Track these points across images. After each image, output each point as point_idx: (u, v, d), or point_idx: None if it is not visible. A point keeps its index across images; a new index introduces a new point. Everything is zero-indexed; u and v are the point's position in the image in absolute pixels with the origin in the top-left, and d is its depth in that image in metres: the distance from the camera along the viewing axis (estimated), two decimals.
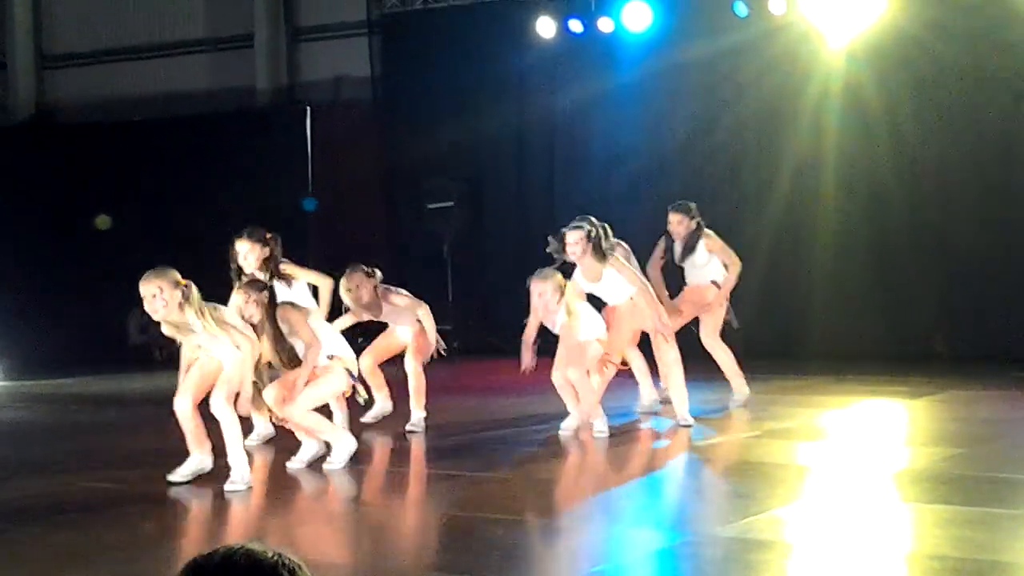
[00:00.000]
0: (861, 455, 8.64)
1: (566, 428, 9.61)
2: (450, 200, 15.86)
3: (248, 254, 9.25)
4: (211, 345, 7.82)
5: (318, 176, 16.94)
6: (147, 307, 7.62)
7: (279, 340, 8.25)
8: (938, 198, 13.82)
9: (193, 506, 7.77)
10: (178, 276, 7.63)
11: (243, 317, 8.09)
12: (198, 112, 17.90)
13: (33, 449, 9.87)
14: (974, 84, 13.66)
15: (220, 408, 7.79)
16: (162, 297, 7.53)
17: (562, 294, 9.34)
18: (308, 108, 17.23)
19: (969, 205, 13.71)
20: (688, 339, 10.49)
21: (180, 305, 7.57)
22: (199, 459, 8.03)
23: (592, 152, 15.47)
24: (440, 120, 15.83)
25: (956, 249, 13.77)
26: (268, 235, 9.31)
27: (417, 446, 9.58)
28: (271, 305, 8.32)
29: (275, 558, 2.12)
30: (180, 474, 8.00)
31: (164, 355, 16.80)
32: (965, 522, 6.54)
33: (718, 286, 10.69)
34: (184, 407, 7.95)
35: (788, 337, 14.32)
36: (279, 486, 8.20)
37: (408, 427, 9.83)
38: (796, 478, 7.90)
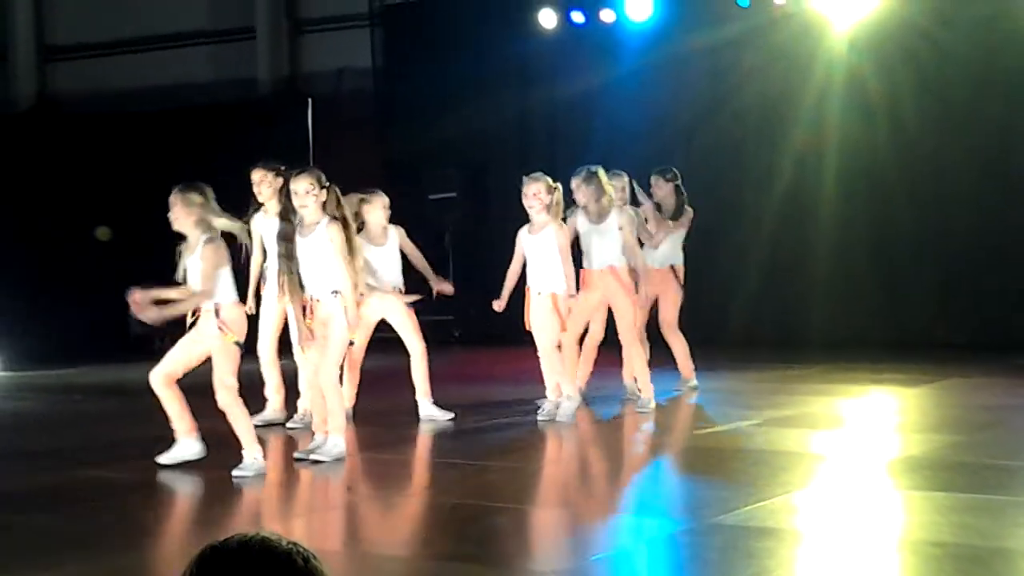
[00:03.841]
0: (862, 442, 8.66)
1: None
2: (452, 191, 15.88)
3: (260, 184, 9.59)
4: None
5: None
6: None
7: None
8: (939, 186, 13.84)
9: (195, 495, 7.78)
10: None
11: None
12: (200, 103, 17.90)
13: (35, 439, 9.88)
14: (975, 73, 13.67)
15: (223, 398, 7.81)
16: None
17: (553, 198, 9.31)
18: (310, 99, 17.22)
19: (970, 193, 13.73)
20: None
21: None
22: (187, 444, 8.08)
23: (594, 142, 15.46)
24: (442, 111, 15.84)
25: (956, 237, 13.79)
26: (283, 167, 9.45)
27: (418, 434, 9.59)
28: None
29: (290, 547, 2.16)
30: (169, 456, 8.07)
31: (165, 345, 16.88)
32: (966, 509, 6.55)
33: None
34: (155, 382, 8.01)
35: (789, 325, 14.35)
36: (281, 475, 8.22)
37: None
38: (797, 466, 7.91)
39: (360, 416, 9.71)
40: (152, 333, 15.99)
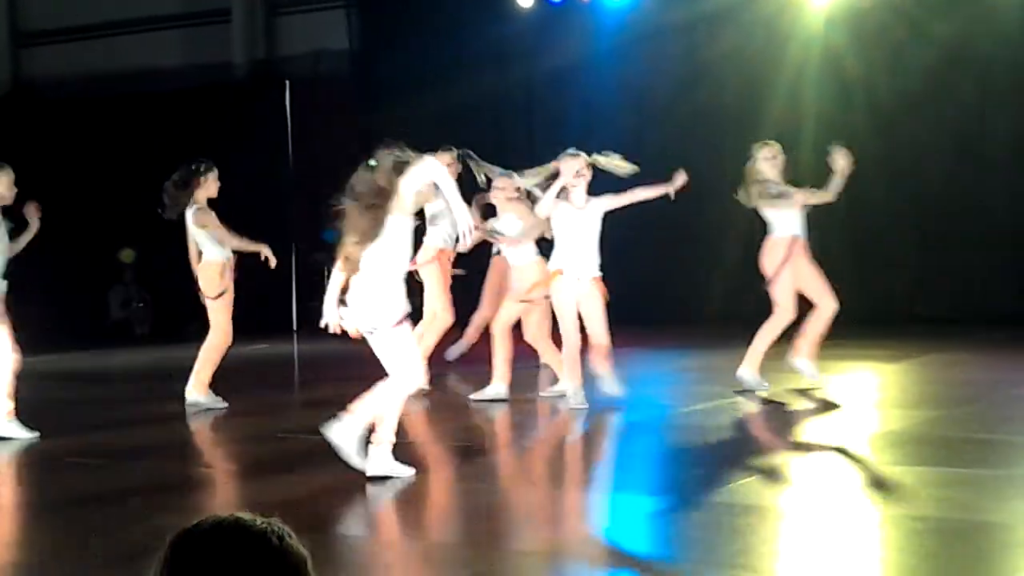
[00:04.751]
0: (843, 418, 8.70)
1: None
2: None
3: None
4: None
5: (297, 150, 16.90)
6: None
7: None
8: (915, 163, 13.88)
9: (177, 481, 7.77)
10: None
11: None
12: (176, 87, 17.82)
13: None
14: (951, 50, 13.70)
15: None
16: None
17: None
18: (287, 82, 17.17)
19: (946, 170, 13.77)
20: None
21: None
22: None
23: (571, 121, 15.46)
24: (419, 92, 15.80)
25: (934, 213, 13.83)
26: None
27: (406, 415, 9.57)
28: None
29: (264, 526, 2.14)
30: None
31: (145, 330, 16.84)
32: (947, 483, 6.59)
33: None
34: None
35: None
36: (266, 458, 8.21)
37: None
38: (780, 442, 7.94)
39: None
40: (131, 318, 15.98)
